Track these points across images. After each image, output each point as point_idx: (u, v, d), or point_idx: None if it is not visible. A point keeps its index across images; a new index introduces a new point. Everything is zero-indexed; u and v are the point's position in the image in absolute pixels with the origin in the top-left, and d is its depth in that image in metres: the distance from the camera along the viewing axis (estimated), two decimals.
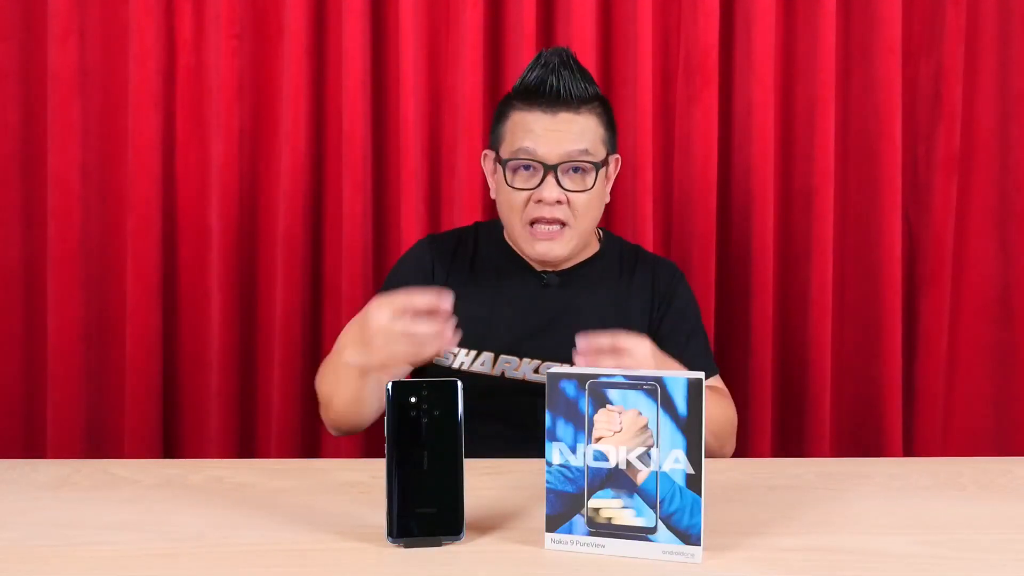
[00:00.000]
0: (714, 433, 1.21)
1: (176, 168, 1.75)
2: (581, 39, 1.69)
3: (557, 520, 0.80)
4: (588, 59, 1.68)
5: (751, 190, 1.72)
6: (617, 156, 1.35)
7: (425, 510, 0.79)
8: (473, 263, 1.37)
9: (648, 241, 1.68)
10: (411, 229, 1.69)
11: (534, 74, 1.26)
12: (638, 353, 1.01)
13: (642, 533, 0.77)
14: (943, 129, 1.76)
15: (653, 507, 0.77)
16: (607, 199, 1.34)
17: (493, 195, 1.34)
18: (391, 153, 1.75)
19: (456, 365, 1.31)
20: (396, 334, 0.97)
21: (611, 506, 0.78)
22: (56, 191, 1.71)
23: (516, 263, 1.35)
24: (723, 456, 1.28)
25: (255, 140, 1.76)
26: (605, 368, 0.88)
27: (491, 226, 1.41)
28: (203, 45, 1.74)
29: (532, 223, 1.26)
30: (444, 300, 0.98)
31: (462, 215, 1.68)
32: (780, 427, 1.77)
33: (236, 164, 1.72)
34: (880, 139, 1.73)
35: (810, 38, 1.73)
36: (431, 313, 0.98)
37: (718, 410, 1.24)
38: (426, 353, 0.99)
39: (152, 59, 1.71)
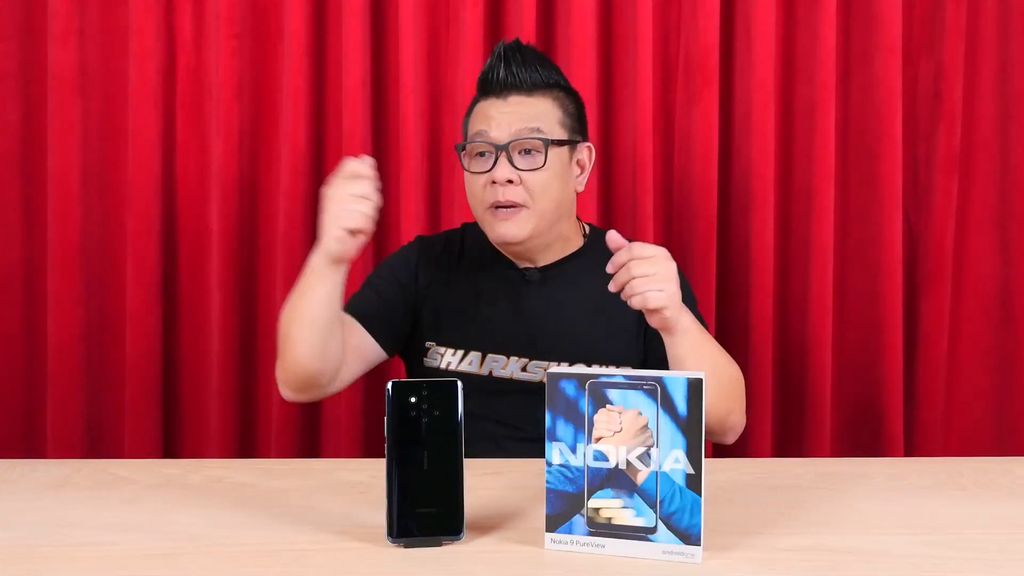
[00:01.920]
0: (720, 385, 1.15)
1: (176, 168, 1.75)
2: (581, 39, 1.69)
3: (557, 520, 0.80)
4: (588, 59, 1.69)
5: (751, 190, 1.72)
6: (589, 145, 1.34)
7: (425, 510, 0.79)
8: (459, 263, 1.37)
9: (648, 241, 1.68)
10: (411, 229, 1.69)
11: (488, 64, 1.31)
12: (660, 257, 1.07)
13: (642, 533, 0.77)
14: (943, 129, 1.76)
15: (653, 507, 0.77)
16: (580, 187, 1.34)
17: None
18: (391, 153, 1.75)
19: (443, 365, 1.31)
20: (351, 200, 1.08)
21: (611, 506, 0.78)
22: (56, 191, 1.71)
23: (499, 261, 1.35)
24: (731, 428, 1.22)
25: (255, 140, 1.76)
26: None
27: (477, 226, 1.40)
28: (203, 45, 1.74)
29: (493, 207, 1.27)
30: (366, 164, 1.10)
31: (462, 215, 1.68)
32: (780, 427, 1.77)
33: (236, 164, 1.72)
34: (880, 139, 1.73)
35: (810, 38, 1.73)
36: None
37: (724, 360, 1.19)
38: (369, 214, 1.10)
39: (152, 59, 1.71)
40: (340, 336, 1.20)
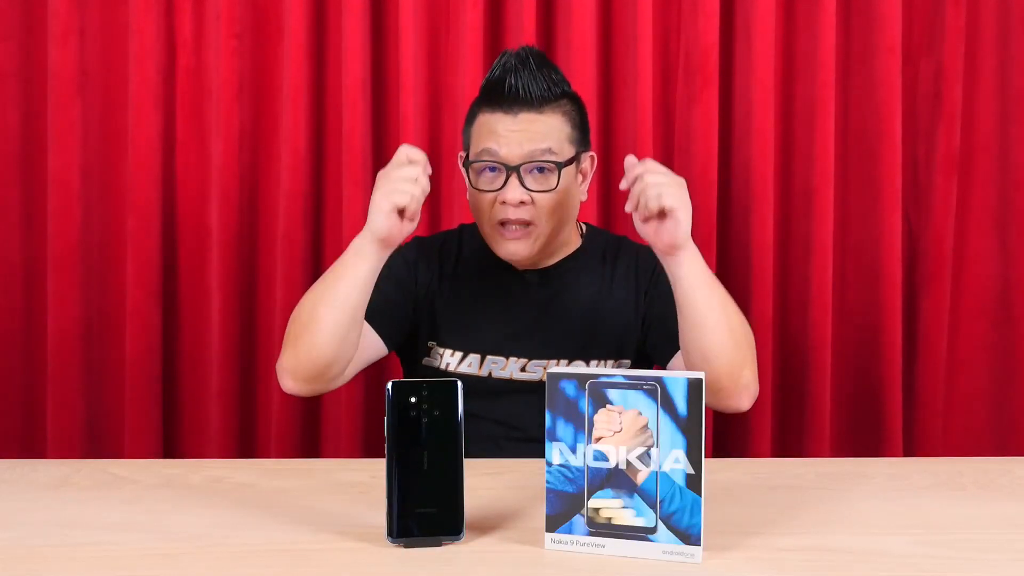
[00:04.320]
0: (732, 329, 1.13)
1: (176, 168, 1.75)
2: (581, 39, 1.69)
3: (557, 520, 0.80)
4: (588, 59, 1.69)
5: (751, 190, 1.72)
6: (592, 154, 1.33)
7: (425, 510, 0.79)
8: (456, 264, 1.36)
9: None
10: None
11: (495, 75, 1.26)
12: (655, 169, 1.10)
13: (642, 533, 0.77)
14: (943, 129, 1.76)
15: (653, 507, 0.77)
16: (584, 197, 1.33)
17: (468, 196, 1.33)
18: (391, 153, 1.73)
19: (443, 366, 1.31)
20: (401, 181, 1.11)
21: (611, 506, 0.78)
22: (56, 191, 1.71)
23: (498, 263, 1.34)
24: (744, 387, 1.15)
25: (255, 140, 1.76)
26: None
27: (475, 227, 1.38)
28: (203, 45, 1.74)
29: (501, 223, 1.26)
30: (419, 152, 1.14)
31: (462, 215, 1.68)
32: (780, 427, 1.77)
33: (236, 164, 1.72)
34: (880, 139, 1.73)
35: (810, 38, 1.73)
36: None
37: (733, 307, 1.17)
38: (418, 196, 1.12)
39: (152, 59, 1.71)
40: (360, 328, 1.19)
